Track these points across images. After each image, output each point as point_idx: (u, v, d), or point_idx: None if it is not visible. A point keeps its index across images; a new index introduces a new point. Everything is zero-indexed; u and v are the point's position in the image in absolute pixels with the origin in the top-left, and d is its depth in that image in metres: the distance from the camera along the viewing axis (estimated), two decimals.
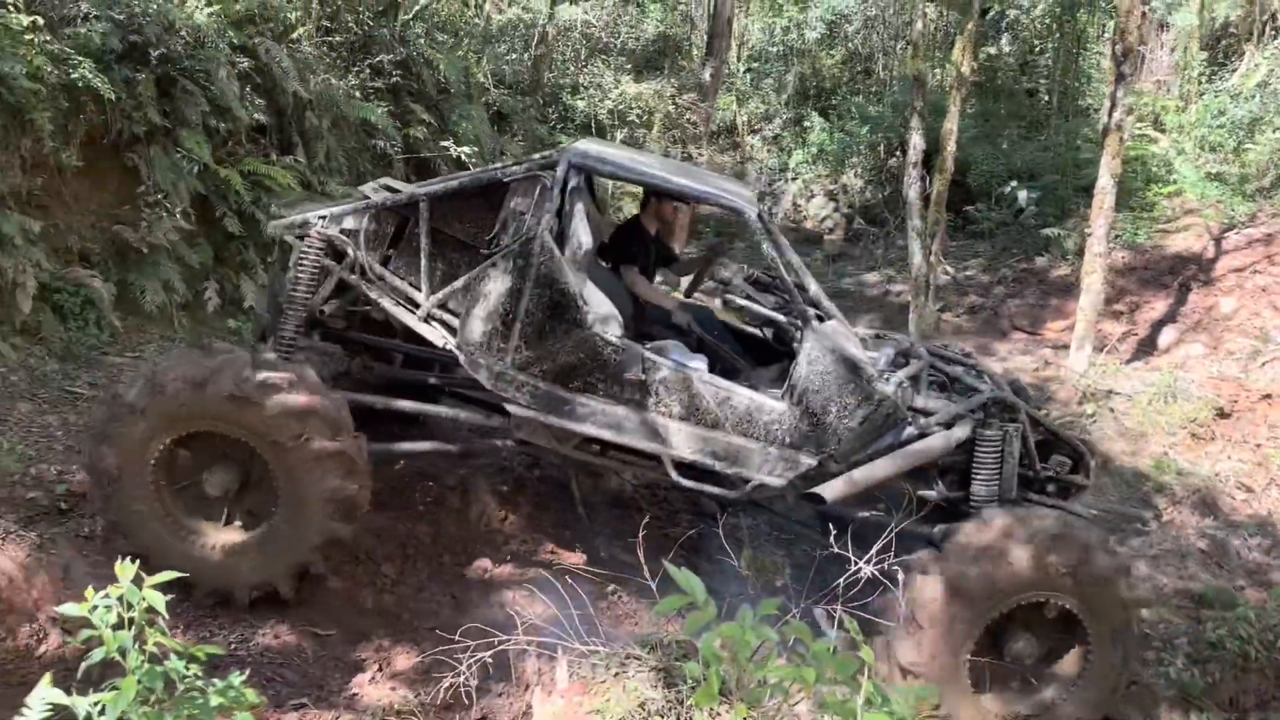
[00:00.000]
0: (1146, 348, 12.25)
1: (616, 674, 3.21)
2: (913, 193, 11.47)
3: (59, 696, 2.22)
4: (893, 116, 18.29)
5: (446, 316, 5.08)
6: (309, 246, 4.98)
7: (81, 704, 2.24)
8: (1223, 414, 9.81)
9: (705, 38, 16.00)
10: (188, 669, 2.42)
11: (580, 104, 14.51)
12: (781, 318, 5.43)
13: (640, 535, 3.87)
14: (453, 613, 5.46)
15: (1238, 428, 9.66)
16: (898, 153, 18.25)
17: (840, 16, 20.32)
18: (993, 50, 18.56)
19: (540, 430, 5.19)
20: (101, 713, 2.23)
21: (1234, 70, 17.29)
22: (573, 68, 15.26)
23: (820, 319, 5.15)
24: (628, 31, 15.89)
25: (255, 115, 8.59)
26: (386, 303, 5.12)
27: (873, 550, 3.54)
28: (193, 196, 8.04)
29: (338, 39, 10.48)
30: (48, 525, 5.00)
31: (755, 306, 5.60)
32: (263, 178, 8.68)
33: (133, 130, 7.54)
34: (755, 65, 21.98)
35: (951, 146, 11.98)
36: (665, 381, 4.99)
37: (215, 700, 2.40)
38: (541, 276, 4.88)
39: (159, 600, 2.38)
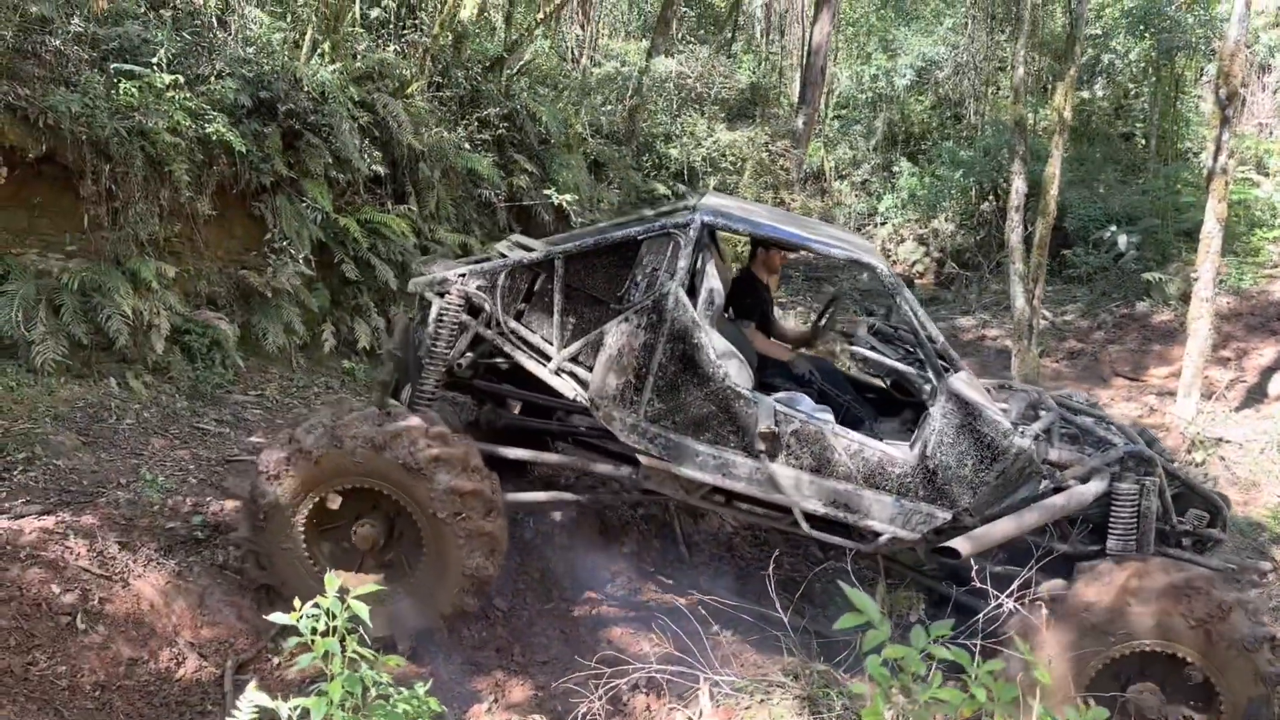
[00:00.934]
0: (1256, 395, 11.79)
1: (761, 700, 3.20)
2: (1015, 236, 11.27)
3: (265, 700, 2.31)
4: (985, 161, 18.07)
5: (577, 370, 5.15)
6: (449, 303, 5.11)
7: (284, 708, 2.32)
8: None
9: (799, 86, 16.04)
10: (380, 676, 2.54)
11: (674, 152, 14.67)
12: (910, 369, 5.34)
13: (770, 572, 3.85)
14: (563, 647, 5.49)
15: None
16: (990, 197, 18.04)
17: (930, 63, 20.22)
18: (1086, 95, 18.27)
19: (669, 480, 5.21)
20: (304, 715, 2.31)
21: None
22: (666, 117, 15.44)
23: (949, 372, 5.10)
24: (721, 82, 16.03)
25: (373, 166, 8.87)
26: (520, 356, 5.20)
27: (1012, 586, 3.48)
28: (314, 244, 8.32)
29: (448, 94, 10.78)
30: (185, 554, 5.17)
31: (882, 359, 5.53)
32: (379, 225, 8.94)
33: (260, 181, 7.85)
34: (843, 112, 21.96)
35: (1054, 190, 11.77)
36: (797, 434, 4.98)
37: (402, 707, 2.48)
38: (675, 331, 4.92)
39: (363, 611, 2.51)
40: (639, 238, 5.12)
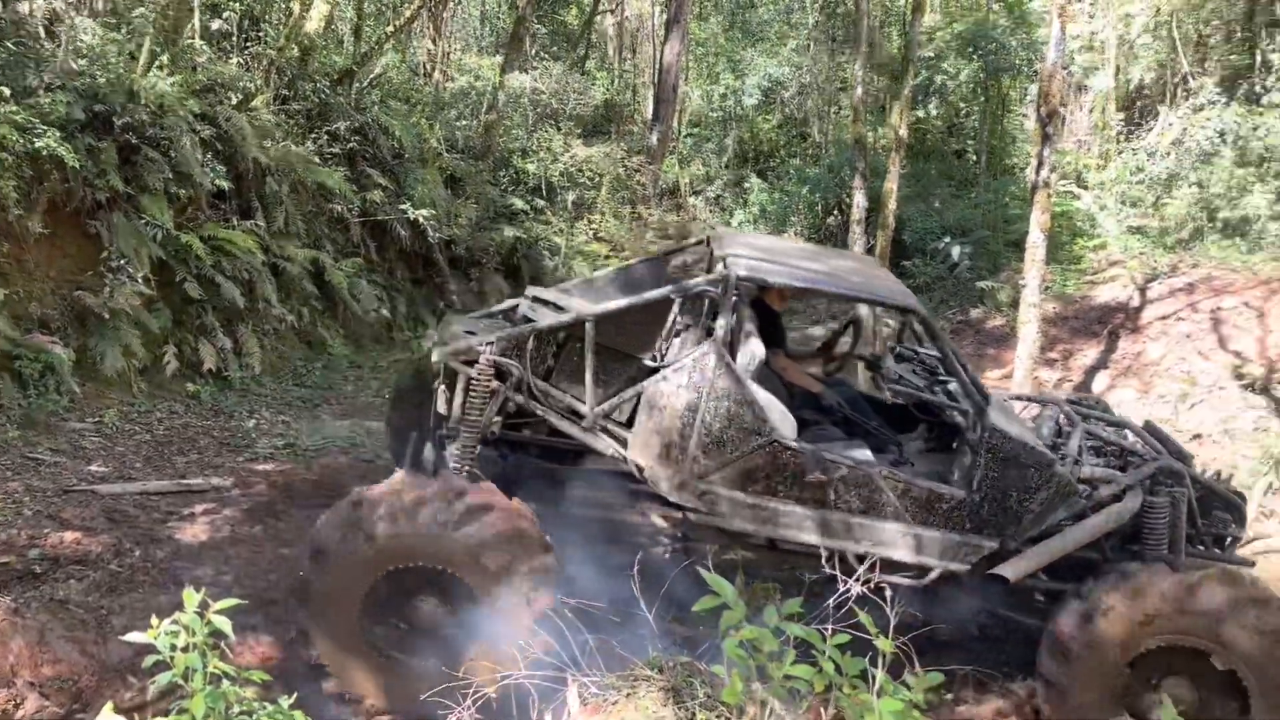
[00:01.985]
0: (1082, 393, 12.54)
1: (628, 695, 3.21)
2: (858, 249, 11.71)
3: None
4: (829, 178, 18.70)
5: (610, 426, 5.04)
6: (481, 374, 4.92)
7: None
8: None
9: (652, 104, 16.28)
10: (242, 691, 2.46)
11: (531, 167, 14.63)
12: (942, 400, 5.49)
13: (634, 571, 3.87)
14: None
15: None
16: (835, 211, 18.63)
17: (776, 83, 20.81)
18: (921, 114, 19.10)
19: (714, 531, 5.19)
20: None
21: (1149, 129, 17.99)
22: (522, 133, 15.40)
23: (983, 402, 5.15)
24: (576, 98, 16.10)
25: (216, 181, 8.54)
26: (552, 417, 5.08)
27: (860, 570, 3.60)
28: (153, 262, 7.95)
29: (295, 107, 10.50)
30: (21, 590, 4.84)
31: (917, 392, 5.62)
32: (223, 242, 8.62)
33: (95, 197, 7.48)
34: (696, 130, 22.37)
35: (892, 205, 12.29)
36: (845, 479, 4.96)
37: None
38: (719, 388, 4.84)
39: (226, 625, 2.44)
40: (671, 296, 5.03)
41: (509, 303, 6.04)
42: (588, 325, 4.92)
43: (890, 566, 5.06)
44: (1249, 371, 12.20)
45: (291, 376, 9.42)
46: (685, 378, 4.87)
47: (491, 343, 4.99)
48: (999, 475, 4.98)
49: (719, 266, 5.15)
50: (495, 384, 4.99)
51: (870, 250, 13.17)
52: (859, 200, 11.96)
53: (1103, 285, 15.33)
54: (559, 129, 15.57)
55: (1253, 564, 5.90)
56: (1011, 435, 4.99)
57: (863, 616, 3.02)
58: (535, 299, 5.70)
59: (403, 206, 11.05)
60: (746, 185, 20.80)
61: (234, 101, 9.32)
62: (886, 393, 6.02)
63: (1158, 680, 5.00)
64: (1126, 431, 5.89)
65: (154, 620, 2.43)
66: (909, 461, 5.41)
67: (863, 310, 7.41)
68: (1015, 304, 13.30)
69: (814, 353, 6.80)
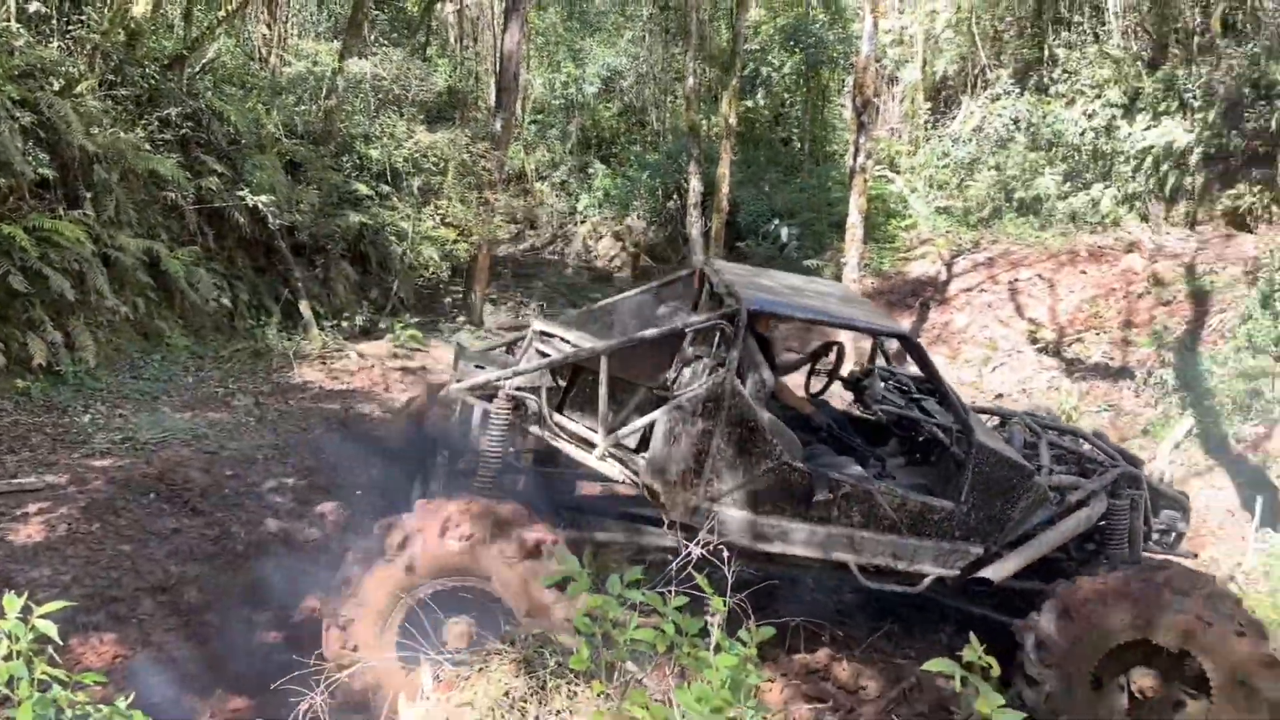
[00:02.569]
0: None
1: (480, 669, 3.21)
2: (695, 231, 11.94)
3: None
4: (668, 164, 18.94)
5: (620, 453, 5.07)
6: (500, 409, 5.00)
7: None
8: None
9: (494, 91, 16.06)
10: (75, 696, 2.33)
11: (375, 153, 14.19)
12: (925, 418, 5.67)
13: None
14: (284, 653, 5.22)
15: None
16: (674, 196, 18.89)
17: (614, 72, 20.91)
18: (749, 103, 19.56)
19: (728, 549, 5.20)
20: None
21: (953, 118, 18.96)
22: (364, 118, 14.92)
23: (969, 420, 5.28)
24: (418, 84, 15.69)
25: (39, 170, 7.96)
26: (564, 446, 5.15)
27: (699, 535, 3.70)
28: None
29: (123, 93, 9.85)
30: None
31: (904, 411, 5.81)
32: (49, 233, 8.05)
33: None
34: (540, 117, 22.24)
35: (725, 189, 12.55)
36: (847, 496, 5.04)
37: None
38: (732, 417, 4.86)
39: (51, 629, 2.30)
40: (685, 330, 5.11)
41: (513, 335, 6.10)
42: (602, 360, 4.97)
43: (884, 574, 5.24)
44: (1042, 336, 13.10)
45: (128, 369, 8.89)
46: (700, 406, 4.89)
47: (509, 378, 5.07)
48: (986, 487, 5.14)
49: (728, 300, 5.18)
50: (512, 418, 5.07)
51: (706, 233, 13.41)
52: (695, 185, 12.19)
53: (915, 261, 16.11)
54: (402, 115, 15.16)
55: (1195, 555, 6.25)
56: (998, 451, 5.19)
57: (700, 579, 3.10)
58: (543, 333, 5.69)
59: (240, 193, 10.53)
60: (590, 171, 20.87)
61: (56, 87, 8.68)
62: (874, 411, 6.14)
63: (1126, 671, 5.09)
64: (1080, 440, 6.14)
65: None
66: (891, 475, 5.55)
67: (842, 335, 7.62)
68: (837, 279, 13.80)
69: (791, 368, 6.88)
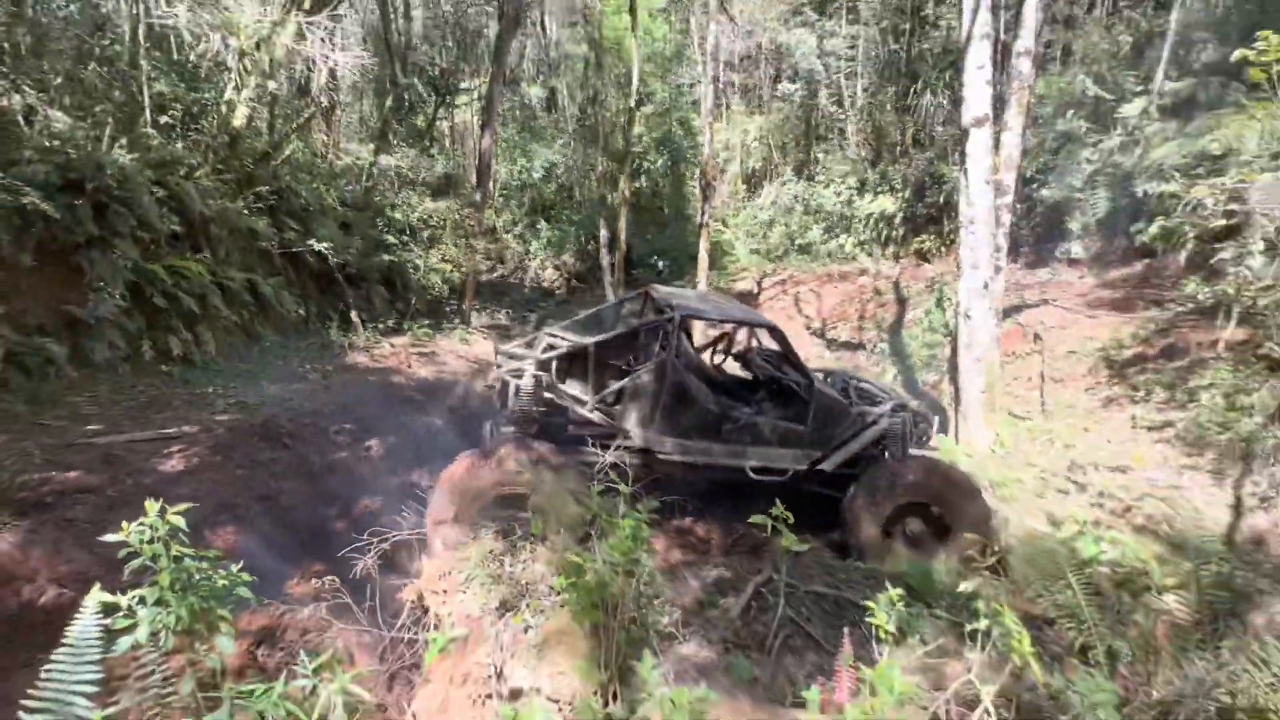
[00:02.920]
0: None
1: (474, 538, 3.26)
2: (605, 262, 11.96)
3: (106, 596, 2.00)
4: (588, 221, 18.82)
5: (602, 407, 5.06)
6: (533, 379, 4.98)
7: (124, 599, 2.05)
8: None
9: (475, 175, 15.72)
10: (200, 567, 2.27)
11: (398, 215, 13.76)
12: (788, 376, 5.54)
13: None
14: (349, 533, 5.11)
15: None
16: (592, 241, 18.82)
17: (552, 164, 20.63)
18: (638, 184, 19.59)
19: (669, 464, 5.14)
20: (141, 602, 2.04)
21: (760, 194, 19.41)
22: (391, 193, 14.43)
23: (811, 377, 5.27)
24: (425, 171, 15.26)
25: (171, 226, 7.53)
26: (568, 404, 5.07)
27: (619, 447, 3.75)
28: (126, 284, 6.93)
29: (228, 176, 9.33)
30: (39, 515, 4.22)
31: (775, 373, 5.69)
32: (180, 269, 7.64)
33: (74, 240, 6.40)
34: (505, 191, 21.79)
35: (623, 237, 12.59)
36: (742, 426, 5.05)
37: (220, 582, 2.25)
38: (671, 381, 4.86)
39: (180, 522, 2.22)
40: (640, 328, 5.12)
41: (531, 336, 5.99)
42: (590, 349, 5.03)
43: (764, 471, 5.26)
44: (813, 325, 13.56)
45: (238, 358, 8.49)
46: (652, 375, 4.91)
47: (533, 363, 5.08)
48: (821, 416, 5.21)
49: (666, 310, 5.17)
50: (535, 388, 5.07)
51: (612, 264, 13.44)
52: (604, 235, 12.20)
53: (739, 282, 16.46)
54: (415, 191, 14.72)
55: (937, 449, 6.34)
56: (828, 394, 5.26)
57: (614, 475, 3.22)
58: (551, 334, 5.69)
59: (309, 242, 10.13)
60: (539, 226, 20.57)
61: (182, 172, 8.19)
62: (755, 374, 6.10)
63: (904, 520, 5.12)
64: (871, 385, 6.17)
65: (124, 525, 2.19)
66: (766, 412, 5.51)
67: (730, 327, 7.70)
68: None
69: (704, 349, 6.81)
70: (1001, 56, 9.51)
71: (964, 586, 2.86)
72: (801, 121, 18.87)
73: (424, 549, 3.76)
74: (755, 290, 15.79)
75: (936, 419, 6.26)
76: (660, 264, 17.62)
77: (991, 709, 2.08)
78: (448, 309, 13.75)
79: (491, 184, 19.91)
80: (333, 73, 14.03)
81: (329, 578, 3.43)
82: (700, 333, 11.27)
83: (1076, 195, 11.22)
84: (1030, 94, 7.78)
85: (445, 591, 2.93)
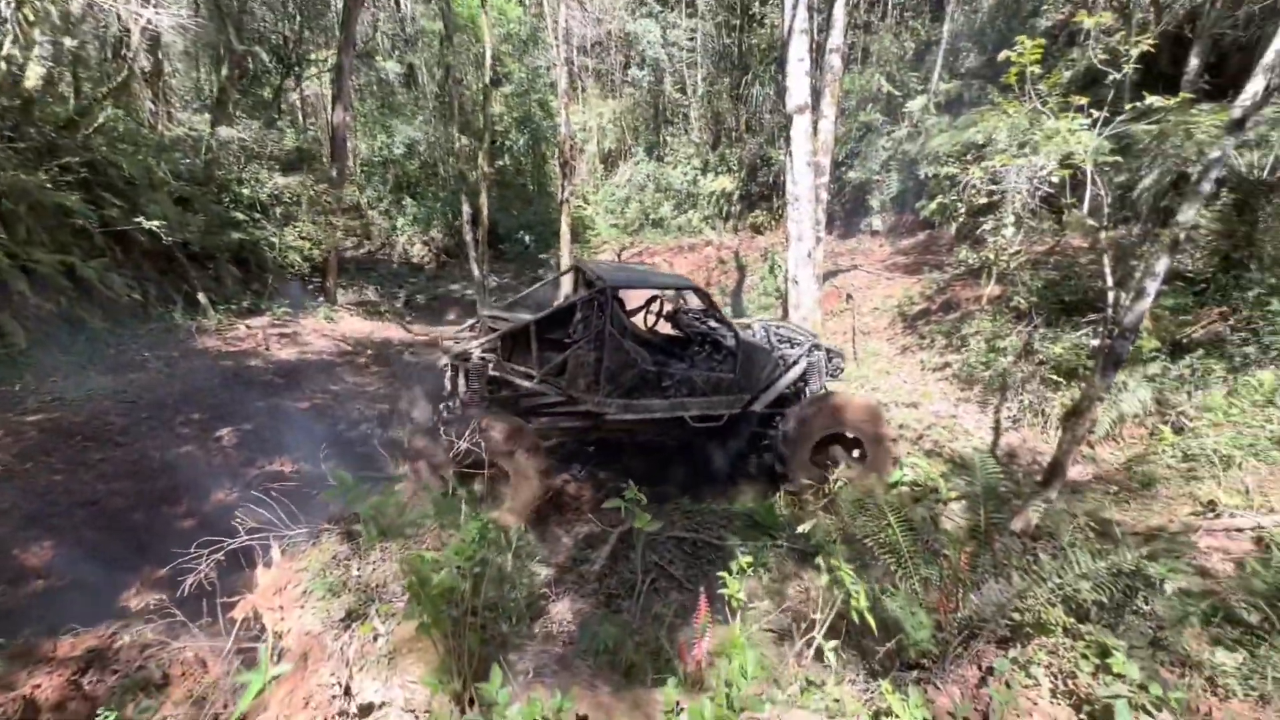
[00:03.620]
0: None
1: (315, 544, 2.83)
2: (469, 238, 11.23)
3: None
4: (453, 198, 17.63)
5: (550, 381, 4.86)
6: (477, 364, 4.75)
7: None
8: None
9: (330, 149, 13.99)
10: None
11: (246, 191, 11.93)
12: (715, 330, 5.48)
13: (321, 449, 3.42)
14: (197, 536, 4.41)
15: None
16: (458, 218, 17.67)
17: (413, 141, 18.94)
18: (500, 162, 18.59)
19: (617, 422, 4.99)
20: None
21: (616, 173, 19.20)
22: (236, 166, 12.45)
23: (736, 329, 5.19)
24: (273, 144, 13.30)
25: None
26: (517, 380, 4.86)
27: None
28: None
29: (21, 145, 7.49)
30: None
31: (702, 328, 5.59)
32: None
33: None
34: (367, 168, 19.74)
35: (486, 213, 11.90)
36: (678, 380, 4.93)
37: None
38: (610, 347, 4.75)
39: None
40: (576, 302, 4.90)
41: (471, 320, 5.63)
42: (532, 327, 4.78)
43: (702, 419, 5.19)
44: None
45: (59, 349, 7.00)
46: (592, 344, 4.75)
47: (480, 346, 4.79)
48: (747, 363, 5.16)
49: (597, 281, 4.98)
50: (484, 369, 4.78)
51: (477, 241, 12.71)
52: (467, 211, 11.41)
53: (601, 253, 16.30)
54: (264, 166, 12.82)
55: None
56: (751, 342, 5.23)
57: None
58: (494, 316, 5.39)
59: (138, 219, 8.49)
60: (404, 203, 18.91)
61: None
62: (684, 331, 5.96)
63: (828, 447, 5.21)
64: (788, 329, 6.11)
65: None
66: (698, 365, 5.39)
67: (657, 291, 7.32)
68: (558, 267, 13.61)
69: (635, 313, 6.57)
70: (816, 53, 9.90)
71: (802, 528, 2.95)
72: (650, 106, 18.78)
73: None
74: (616, 261, 15.71)
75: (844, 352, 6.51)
76: (526, 239, 16.98)
77: (824, 624, 2.14)
78: (310, 287, 12.32)
79: (351, 160, 17.98)
80: (156, 35, 11.70)
81: (158, 597, 2.84)
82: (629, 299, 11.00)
83: (875, 177, 12.15)
84: (839, 87, 8.17)
85: (282, 608, 2.49)
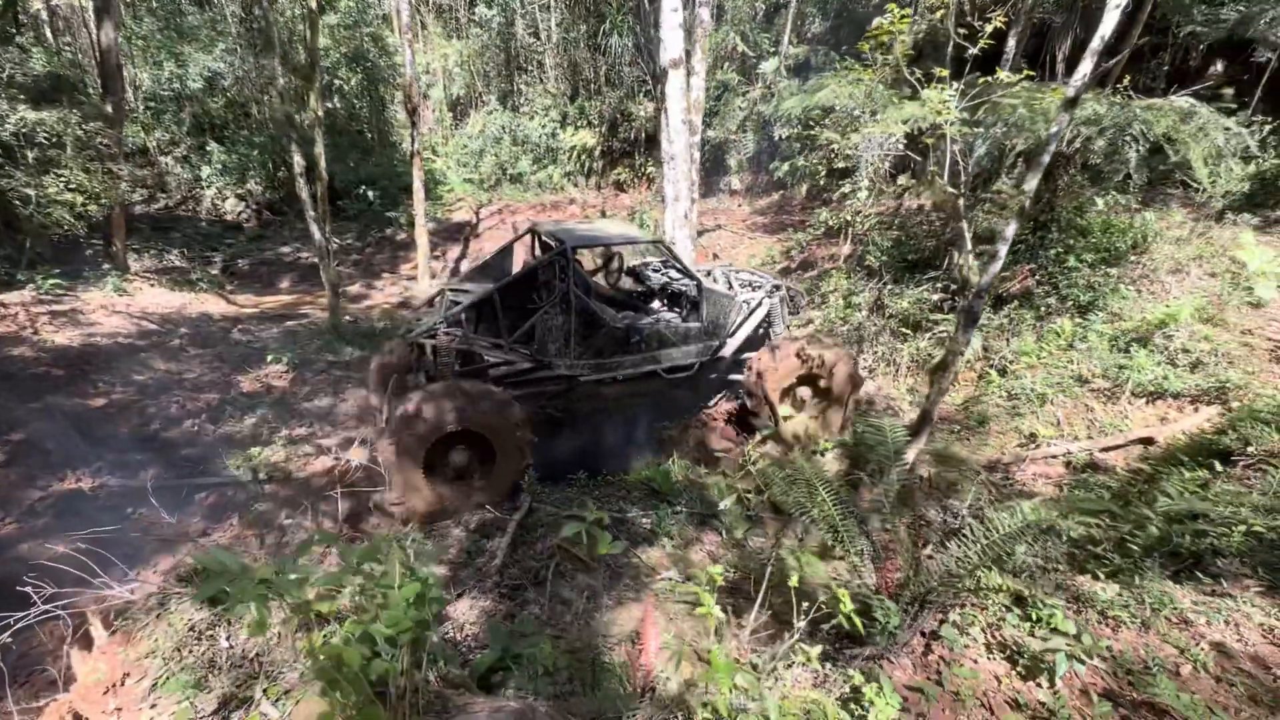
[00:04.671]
0: (456, 273, 12.47)
1: (159, 614, 2.11)
2: (304, 194, 9.68)
3: None
4: (273, 144, 15.15)
5: (519, 348, 4.68)
6: (444, 340, 4.53)
7: None
8: None
9: (100, 79, 11.13)
10: None
11: None
12: (678, 282, 5.40)
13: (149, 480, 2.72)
14: None
15: None
16: (283, 168, 15.26)
17: (215, 74, 15.78)
18: (330, 105, 16.23)
19: (590, 384, 4.93)
20: None
21: (468, 123, 17.78)
22: None
23: (699, 278, 5.13)
24: (12, 65, 10.25)
25: None
26: (485, 352, 4.70)
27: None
28: None
29: None
30: None
31: (667, 281, 5.51)
32: None
33: None
34: (153, 104, 16.16)
35: (322, 164, 10.37)
36: (647, 335, 4.90)
37: None
38: (578, 310, 4.68)
39: None
40: (537, 266, 4.68)
41: (433, 293, 5.43)
42: (495, 296, 4.61)
43: (674, 370, 5.19)
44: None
45: None
46: (558, 308, 4.57)
47: (444, 322, 4.61)
48: (714, 312, 5.11)
49: (555, 244, 4.83)
50: (450, 343, 4.57)
51: (314, 195, 11.10)
52: (298, 160, 9.80)
53: (456, 212, 15.19)
54: (3, 96, 9.89)
55: (810, 320, 6.40)
56: (714, 290, 5.16)
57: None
58: (457, 289, 5.27)
59: None
60: (208, 149, 15.87)
61: None
62: (647, 285, 5.88)
63: (795, 389, 5.23)
64: (748, 273, 6.07)
65: None
66: (665, 318, 5.31)
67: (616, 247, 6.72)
68: (412, 225, 12.43)
69: (597, 271, 6.41)
70: (685, 6, 9.67)
71: (724, 504, 2.90)
72: (501, 50, 17.44)
73: (77, 633, 2.17)
74: (474, 220, 14.70)
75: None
76: (370, 194, 15.21)
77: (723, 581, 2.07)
78: (89, 252, 9.98)
79: (131, 92, 14.61)
80: None
81: None
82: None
83: (732, 137, 12.46)
84: (709, 43, 8.08)
85: (119, 712, 1.74)
